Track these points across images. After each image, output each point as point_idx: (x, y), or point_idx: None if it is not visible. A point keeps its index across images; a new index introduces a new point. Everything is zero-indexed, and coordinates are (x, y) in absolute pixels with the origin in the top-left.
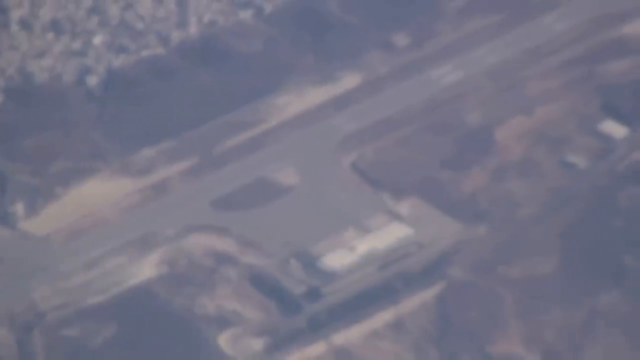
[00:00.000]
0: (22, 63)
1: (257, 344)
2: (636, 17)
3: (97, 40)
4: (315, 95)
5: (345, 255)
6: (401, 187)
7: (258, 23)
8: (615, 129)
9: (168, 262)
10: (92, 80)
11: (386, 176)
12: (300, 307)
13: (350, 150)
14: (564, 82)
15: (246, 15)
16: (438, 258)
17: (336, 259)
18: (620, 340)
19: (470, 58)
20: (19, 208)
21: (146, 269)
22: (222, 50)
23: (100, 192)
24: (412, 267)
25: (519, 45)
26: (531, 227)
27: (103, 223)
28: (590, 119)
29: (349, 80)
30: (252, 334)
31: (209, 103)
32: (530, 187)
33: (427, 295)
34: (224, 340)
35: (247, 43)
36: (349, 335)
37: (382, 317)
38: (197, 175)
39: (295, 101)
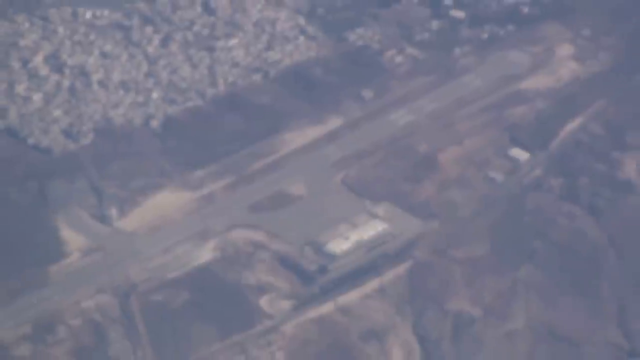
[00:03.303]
0: (104, 112)
1: (287, 305)
2: (528, 77)
3: (155, 95)
4: (311, 133)
5: (342, 243)
6: (377, 196)
7: (266, 83)
8: (520, 154)
9: (220, 249)
10: (154, 123)
11: (366, 188)
12: (314, 279)
13: (339, 170)
14: (483, 122)
15: (257, 77)
16: (406, 244)
17: (336, 246)
18: (535, 298)
19: (416, 106)
20: (113, 212)
21: (205, 254)
22: (243, 102)
23: (168, 201)
24: (388, 250)
25: (450, 96)
26: (468, 223)
27: (172, 222)
28: (503, 147)
29: (334, 122)
30: (282, 297)
31: (237, 139)
32: (465, 195)
33: (400, 270)
34: (263, 302)
35: (259, 97)
36: (349, 298)
37: (371, 285)
38: (235, 189)
39: (297, 137)
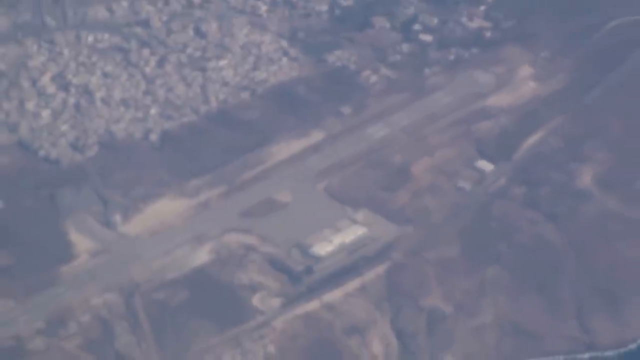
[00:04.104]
0: (106, 126)
1: (276, 302)
2: (493, 95)
3: (153, 111)
4: (296, 146)
5: (326, 245)
6: (357, 203)
7: (254, 100)
8: (486, 165)
9: (215, 251)
10: (153, 137)
11: (347, 196)
12: (301, 279)
13: (322, 179)
14: (452, 136)
15: (246, 95)
16: (384, 247)
17: (321, 248)
18: (502, 296)
19: (391, 120)
20: (117, 218)
21: (201, 256)
22: (233, 118)
23: (167, 208)
24: (368, 252)
25: (421, 112)
26: (440, 227)
27: (171, 227)
28: (470, 159)
29: (316, 136)
30: (273, 295)
31: (228, 151)
32: (436, 202)
33: (379, 270)
34: (255, 300)
35: (248, 113)
36: (333, 296)
37: (353, 284)
38: (228, 197)
39: (283, 149)
